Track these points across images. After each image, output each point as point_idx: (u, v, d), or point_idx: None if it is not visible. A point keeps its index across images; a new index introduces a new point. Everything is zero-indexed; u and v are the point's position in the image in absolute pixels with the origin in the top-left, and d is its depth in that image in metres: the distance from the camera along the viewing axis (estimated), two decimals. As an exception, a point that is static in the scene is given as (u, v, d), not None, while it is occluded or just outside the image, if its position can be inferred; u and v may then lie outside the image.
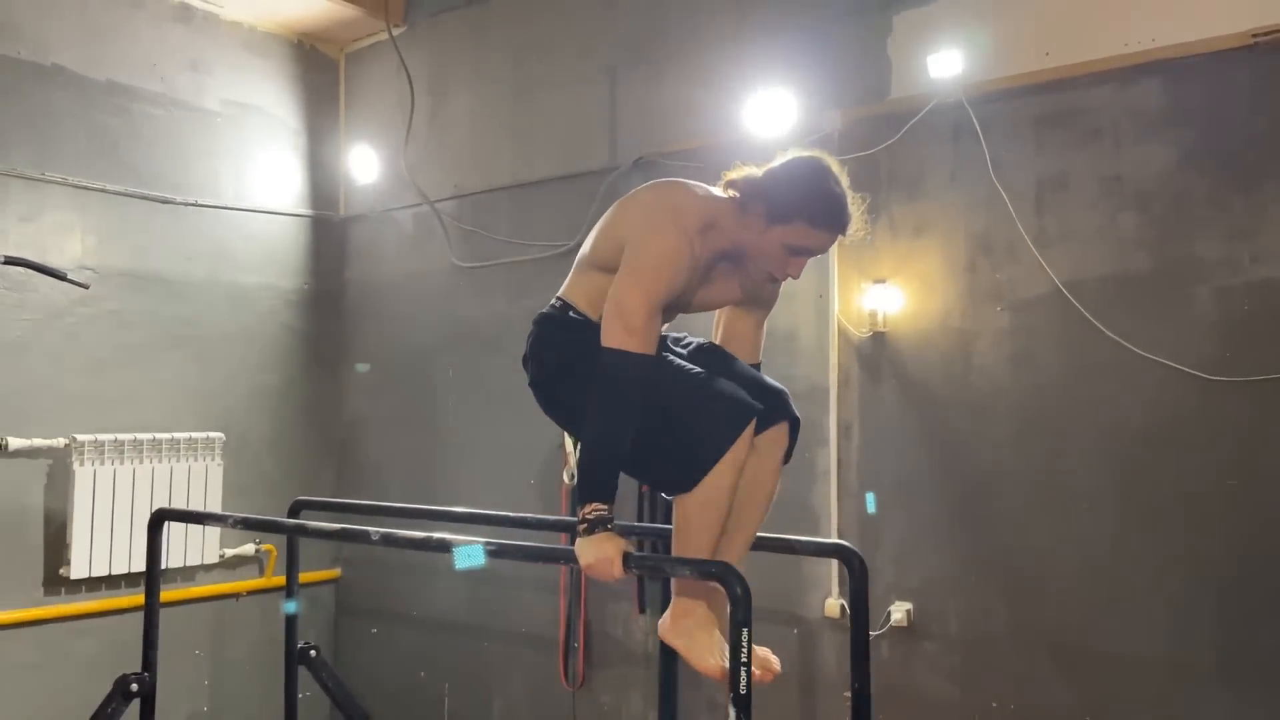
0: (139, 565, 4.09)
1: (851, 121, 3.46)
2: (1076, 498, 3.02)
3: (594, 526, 1.97)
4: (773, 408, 2.18)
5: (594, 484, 1.99)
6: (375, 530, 2.34)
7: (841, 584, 3.43)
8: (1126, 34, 2.98)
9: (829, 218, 2.09)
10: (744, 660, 1.80)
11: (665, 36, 3.94)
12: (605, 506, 1.98)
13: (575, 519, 2.01)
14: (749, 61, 3.67)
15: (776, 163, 2.15)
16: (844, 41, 3.49)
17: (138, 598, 4.09)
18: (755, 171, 2.15)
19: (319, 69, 4.97)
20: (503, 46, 4.45)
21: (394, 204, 4.78)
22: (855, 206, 2.15)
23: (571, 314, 2.19)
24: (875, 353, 3.41)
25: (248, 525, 3.11)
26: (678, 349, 2.28)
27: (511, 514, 2.88)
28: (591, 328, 2.10)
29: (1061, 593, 3.04)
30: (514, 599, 4.23)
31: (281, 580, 4.58)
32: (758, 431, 2.11)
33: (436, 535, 2.24)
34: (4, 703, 3.79)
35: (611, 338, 2.01)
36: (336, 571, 4.88)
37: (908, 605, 3.30)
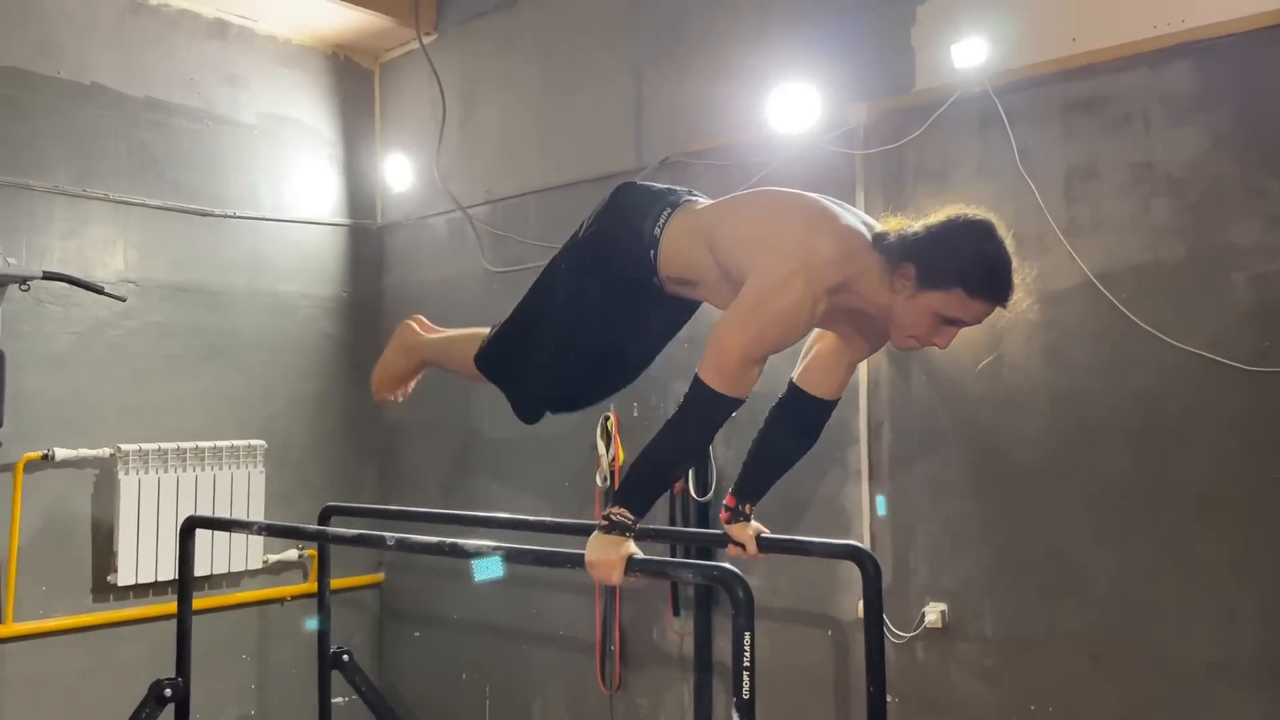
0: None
1: (876, 115, 3.40)
2: (1112, 494, 2.94)
3: (612, 528, 1.95)
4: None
5: (633, 492, 1.97)
6: (390, 536, 2.36)
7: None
8: (1156, 16, 2.89)
9: (992, 288, 1.94)
10: (746, 664, 1.78)
11: (688, 33, 3.91)
12: (632, 517, 1.96)
13: (604, 519, 1.99)
14: (772, 56, 3.63)
15: (935, 219, 1.99)
16: (867, 33, 3.44)
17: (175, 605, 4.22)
18: (911, 226, 1.99)
19: (354, 79, 5.03)
20: (530, 50, 4.46)
21: (428, 211, 4.82)
22: (1020, 274, 1.99)
23: (657, 229, 2.13)
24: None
25: (271, 532, 3.15)
26: (648, 301, 2.27)
27: (535, 518, 2.88)
28: (647, 253, 2.13)
29: (1099, 593, 2.95)
30: (551, 602, 4.24)
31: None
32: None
33: (449, 540, 2.25)
34: (56, 707, 3.89)
35: (704, 369, 1.94)
36: (380, 575, 4.93)
37: (942, 606, 3.23)
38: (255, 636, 4.52)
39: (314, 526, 2.90)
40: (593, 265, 2.24)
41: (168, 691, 2.83)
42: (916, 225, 1.99)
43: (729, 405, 1.94)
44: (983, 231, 1.95)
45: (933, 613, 3.23)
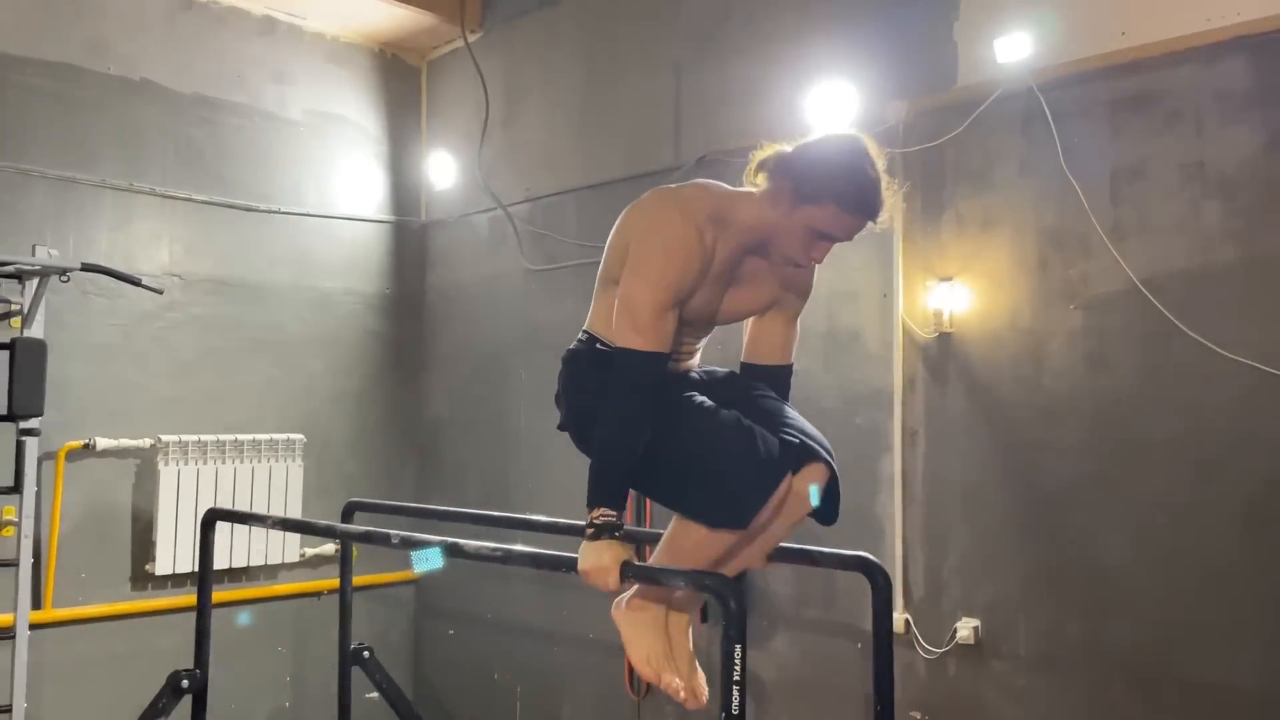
0: (221, 563, 4.22)
1: (916, 112, 3.30)
2: (1155, 509, 2.80)
3: (600, 532, 1.91)
4: (805, 447, 1.99)
5: (603, 489, 1.92)
6: (395, 534, 2.34)
7: (907, 598, 3.27)
8: (1209, 9, 2.74)
9: (860, 203, 1.94)
10: (736, 679, 1.71)
11: (728, 30, 3.84)
12: (613, 513, 1.92)
13: (588, 527, 1.94)
14: (811, 53, 3.54)
15: (810, 138, 2.02)
16: (909, 28, 3.34)
17: (216, 594, 4.24)
18: (786, 148, 2.01)
19: (401, 77, 5.05)
20: (573, 48, 4.43)
21: (470, 208, 4.81)
22: (889, 193, 1.99)
23: (599, 345, 2.09)
24: (941, 355, 3.24)
25: (285, 526, 3.15)
26: (705, 389, 2.13)
27: (547, 519, 2.84)
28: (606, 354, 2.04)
29: (1139, 613, 2.81)
30: (581, 603, 4.19)
31: (362, 580, 4.70)
32: (794, 472, 1.96)
33: (450, 540, 2.21)
34: (96, 692, 3.95)
35: (620, 337, 1.95)
36: (416, 572, 4.93)
37: (975, 622, 3.12)
38: (291, 629, 4.55)
39: (325, 522, 2.88)
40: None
41: (185, 682, 2.84)
42: (792, 146, 2.00)
43: (656, 362, 1.93)
44: (856, 148, 1.96)
45: (965, 628, 3.12)
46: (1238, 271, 2.70)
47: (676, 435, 1.95)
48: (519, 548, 2.13)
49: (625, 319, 1.94)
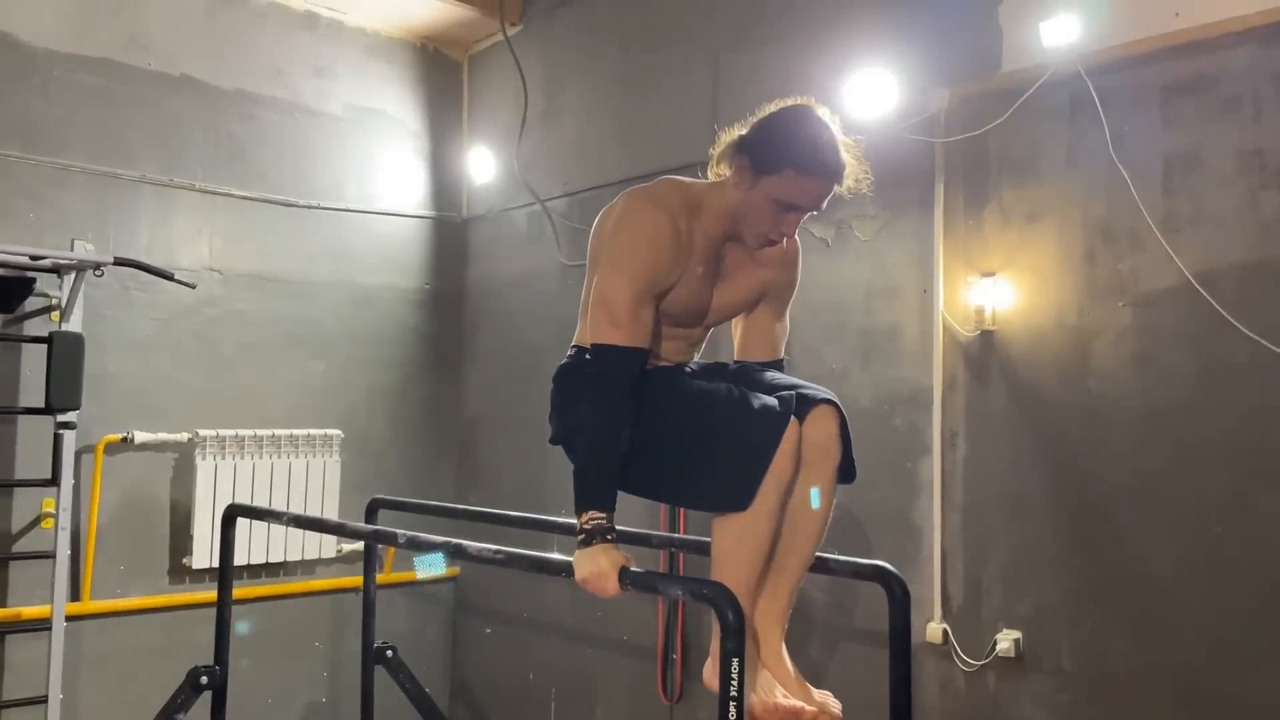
0: (258, 557, 4.23)
1: (959, 100, 3.16)
2: (1207, 518, 2.64)
3: (592, 537, 1.84)
4: (803, 397, 1.95)
5: (590, 491, 1.86)
6: (402, 533, 2.29)
7: (945, 607, 3.14)
8: (1270, -14, 2.57)
9: (818, 163, 1.92)
10: (733, 694, 1.61)
11: (766, 16, 3.74)
12: (603, 515, 1.85)
13: (579, 532, 1.86)
14: (850, 39, 3.42)
15: (762, 112, 2.02)
16: (951, 12, 3.20)
17: (252, 589, 4.27)
18: (742, 130, 2.02)
19: (442, 71, 5.02)
20: (611, 40, 4.35)
21: (510, 204, 4.77)
22: (849, 151, 1.96)
23: (588, 357, 2.02)
24: (983, 353, 3.10)
25: (298, 524, 3.12)
26: (698, 374, 2.10)
27: (564, 520, 2.76)
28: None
29: (1189, 627, 2.65)
30: (616, 605, 4.10)
31: (399, 576, 4.69)
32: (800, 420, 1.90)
33: (454, 541, 2.15)
34: (132, 683, 3.98)
35: (597, 333, 1.91)
36: (456, 570, 4.90)
37: (1016, 634, 2.97)
38: (328, 624, 4.55)
39: (336, 520, 2.85)
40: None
41: (204, 679, 2.82)
42: (745, 127, 2.00)
43: (638, 356, 1.89)
44: (804, 111, 1.97)
45: (1006, 640, 2.98)
46: (1299, 266, 2.52)
47: (671, 415, 1.91)
48: (519, 551, 2.05)
49: (602, 314, 1.90)
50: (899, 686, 1.92)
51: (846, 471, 2.00)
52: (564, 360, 2.11)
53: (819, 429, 1.93)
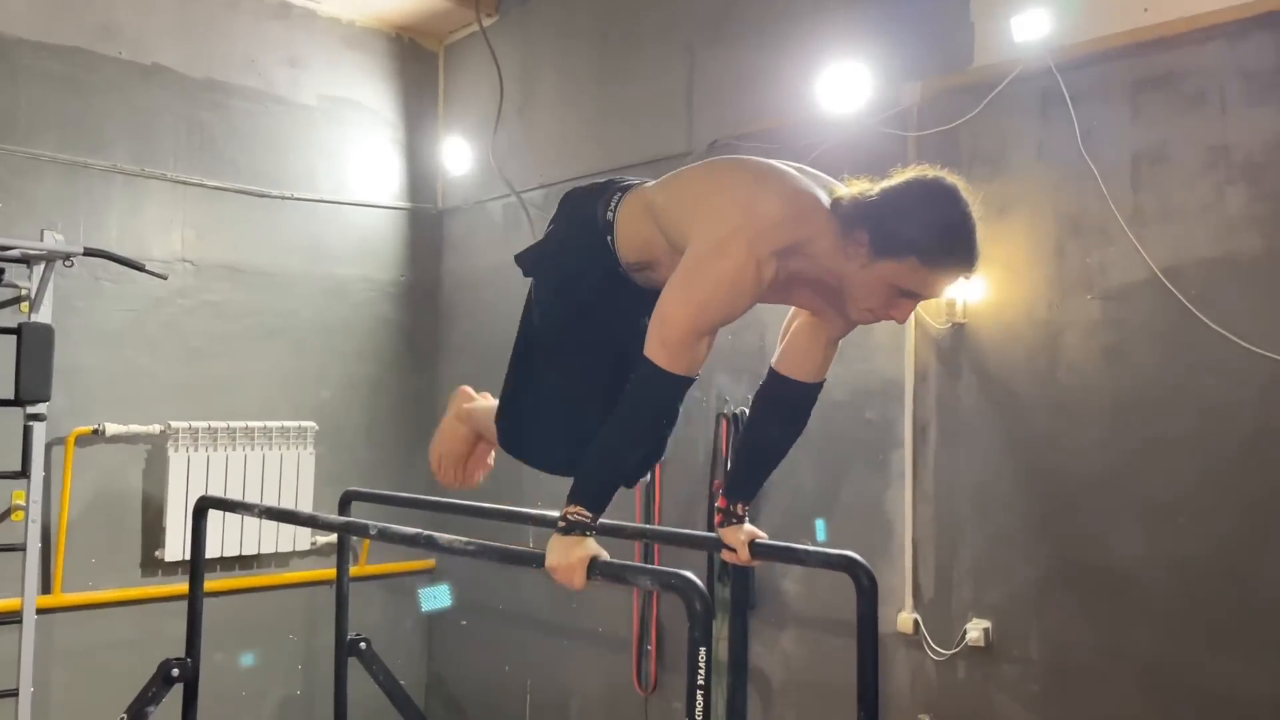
0: (231, 550, 4.22)
1: (931, 94, 3.18)
2: (1174, 509, 2.67)
3: (571, 529, 1.83)
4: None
5: (588, 490, 1.84)
6: (374, 525, 2.30)
7: (916, 597, 3.16)
8: (1237, -18, 2.60)
9: (946, 255, 1.74)
10: (700, 683, 1.63)
11: (741, 11, 3.74)
12: (589, 515, 1.84)
13: (561, 520, 1.86)
14: (824, 34, 3.43)
15: (893, 181, 1.80)
16: (924, 7, 3.21)
17: (226, 582, 4.25)
18: (869, 190, 1.81)
19: (417, 61, 4.99)
20: (587, 31, 4.35)
21: (486, 195, 4.76)
22: (982, 240, 1.77)
23: (609, 213, 1.98)
24: (954, 346, 3.12)
25: (270, 515, 3.11)
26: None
27: (540, 512, 2.77)
28: (605, 240, 1.97)
29: (1157, 617, 2.69)
30: (591, 597, 4.09)
31: (374, 569, 4.69)
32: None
33: (425, 533, 2.16)
34: (104, 677, 3.95)
35: (650, 347, 1.79)
36: (431, 562, 4.90)
37: (986, 624, 3.00)
38: (302, 617, 4.53)
39: (308, 513, 2.85)
40: (565, 284, 2.06)
41: (175, 671, 2.81)
42: (875, 189, 1.79)
43: (680, 385, 1.80)
44: (944, 191, 1.75)
45: (975, 630, 3.01)
46: (1262, 260, 2.55)
47: (537, 336, 2.14)
48: (489, 543, 2.06)
49: (659, 333, 1.78)
50: (866, 675, 1.93)
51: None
52: (579, 190, 2.10)
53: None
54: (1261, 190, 2.55)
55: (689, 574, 1.66)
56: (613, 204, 2.00)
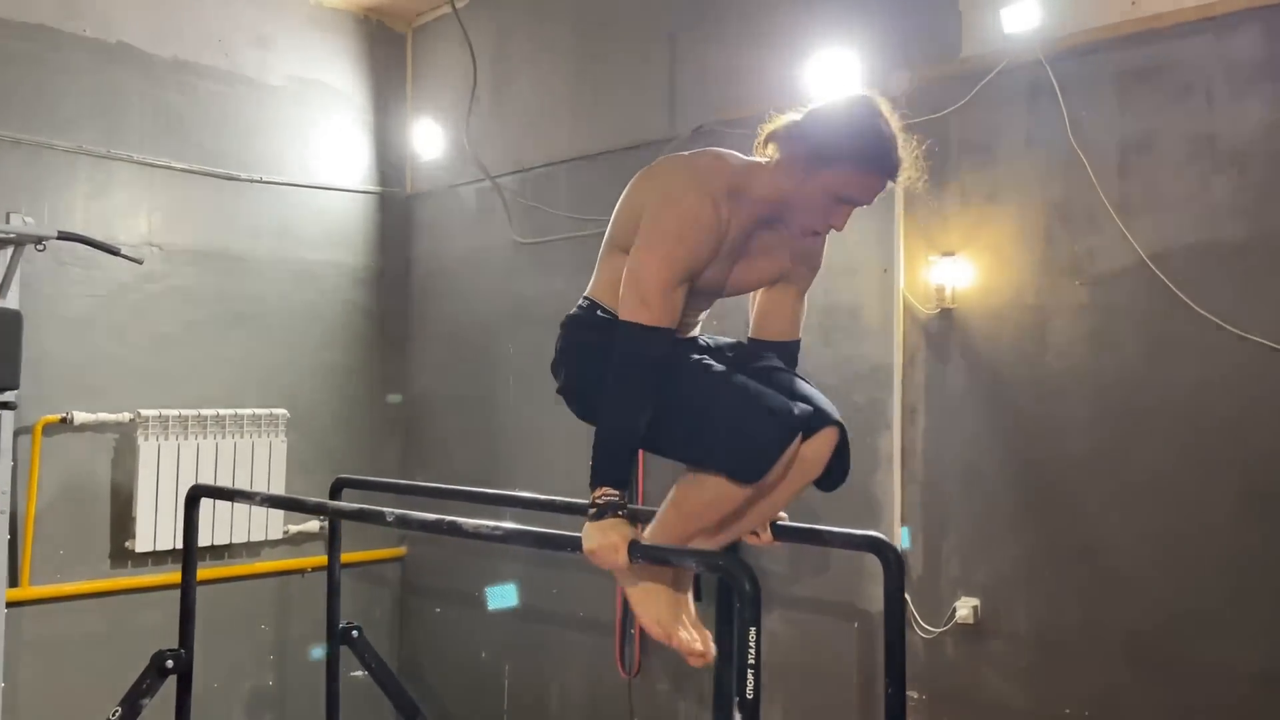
0: (204, 540, 4.12)
1: (920, 83, 3.22)
2: (1159, 489, 2.76)
3: (604, 512, 1.86)
4: (819, 413, 1.99)
5: (607, 467, 1.88)
6: (390, 511, 2.27)
7: (905, 576, 3.21)
8: (1224, -23, 2.69)
9: (877, 159, 1.91)
10: (751, 662, 1.65)
11: (726, -2, 3.76)
12: (616, 492, 1.87)
13: (591, 506, 1.88)
14: (812, 20, 3.46)
15: (820, 103, 1.97)
16: (912, -3, 3.26)
17: (201, 572, 4.16)
18: (796, 115, 1.97)
19: (386, 43, 4.93)
20: (565, 14, 4.33)
21: (458, 180, 4.71)
22: (907, 149, 1.95)
23: (600, 313, 2.05)
24: (943, 331, 3.18)
25: (274, 504, 3.07)
26: (711, 353, 2.11)
27: (545, 497, 2.77)
28: (610, 326, 1.98)
29: (1141, 592, 2.78)
30: (572, 582, 4.13)
31: (347, 557, 4.62)
32: (805, 438, 1.94)
33: (448, 519, 2.15)
34: (76, 671, 3.87)
35: (626, 310, 1.89)
36: (402, 550, 4.86)
37: (974, 601, 3.08)
38: (275, 607, 4.47)
39: (315, 499, 2.81)
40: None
41: (169, 663, 2.76)
42: (803, 112, 1.96)
43: (663, 337, 1.88)
44: (867, 105, 1.92)
45: (964, 608, 3.08)
46: (1246, 247, 2.65)
47: (687, 391, 1.92)
48: (522, 527, 2.06)
49: (632, 292, 1.89)
50: (895, 652, 1.98)
51: (833, 482, 2.06)
52: (573, 311, 2.09)
53: (813, 450, 1.97)
54: (1246, 180, 2.65)
55: (737, 556, 1.68)
56: (581, 301, 2.09)
